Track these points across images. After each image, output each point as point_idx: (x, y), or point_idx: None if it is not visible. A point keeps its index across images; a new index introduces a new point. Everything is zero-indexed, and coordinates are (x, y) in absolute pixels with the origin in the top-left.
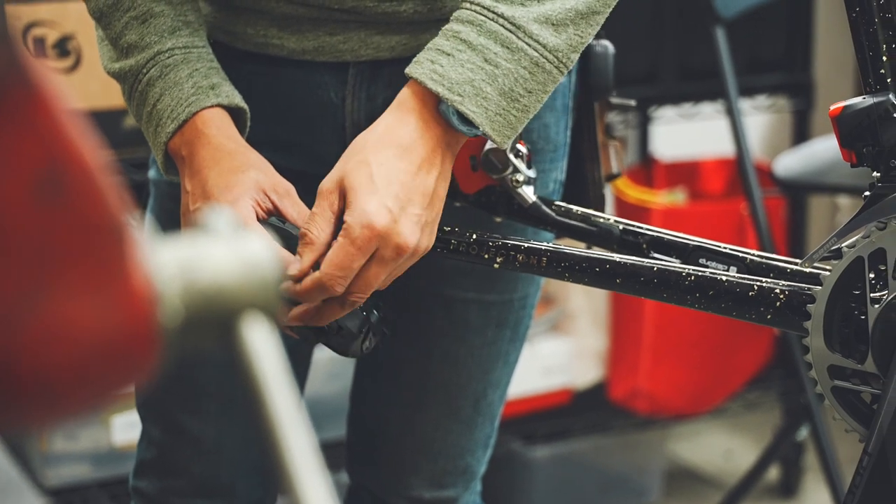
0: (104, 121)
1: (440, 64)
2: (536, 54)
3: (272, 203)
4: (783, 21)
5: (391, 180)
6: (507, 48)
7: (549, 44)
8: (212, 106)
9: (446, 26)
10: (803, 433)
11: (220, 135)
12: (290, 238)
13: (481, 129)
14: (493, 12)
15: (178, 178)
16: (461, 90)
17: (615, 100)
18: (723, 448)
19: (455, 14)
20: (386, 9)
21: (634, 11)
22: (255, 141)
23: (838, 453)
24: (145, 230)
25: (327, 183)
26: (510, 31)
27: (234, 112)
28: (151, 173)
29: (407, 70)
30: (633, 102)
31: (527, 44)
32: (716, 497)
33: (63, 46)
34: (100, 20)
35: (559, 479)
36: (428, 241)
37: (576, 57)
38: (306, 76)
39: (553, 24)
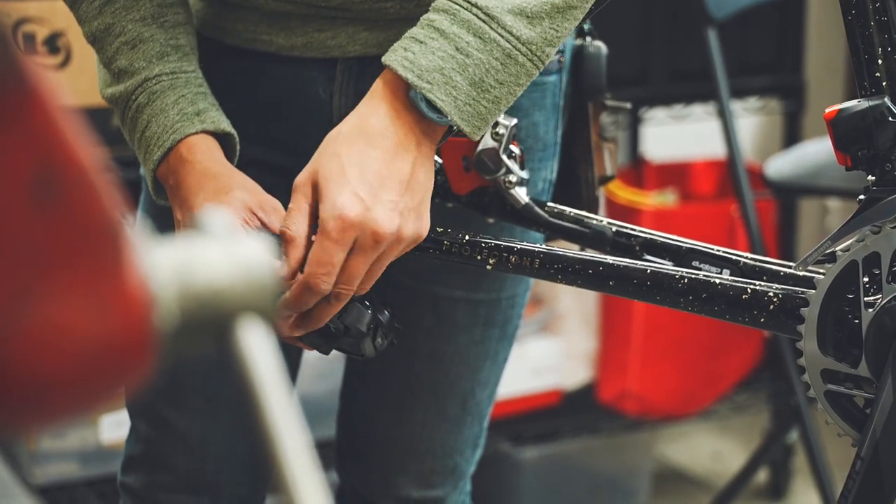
0: (95, 118)
1: (412, 51)
2: (509, 46)
3: (260, 221)
4: (774, 23)
5: (363, 169)
6: (480, 38)
7: (522, 36)
8: (197, 132)
9: (424, 15)
10: (793, 436)
11: (205, 160)
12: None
13: (449, 117)
14: (468, 2)
15: (168, 202)
16: (430, 78)
17: (610, 102)
18: (711, 450)
19: (434, 3)
20: (372, 5)
21: (625, 12)
22: (243, 137)
23: (827, 456)
24: (138, 228)
25: (301, 177)
26: (483, 21)
27: (222, 137)
28: (143, 171)
29: (383, 58)
30: (627, 105)
31: (500, 34)
32: (704, 499)
33: (53, 43)
34: (93, 44)
35: (548, 480)
36: (415, 227)
37: (551, 51)
38: (295, 72)
39: (527, 17)
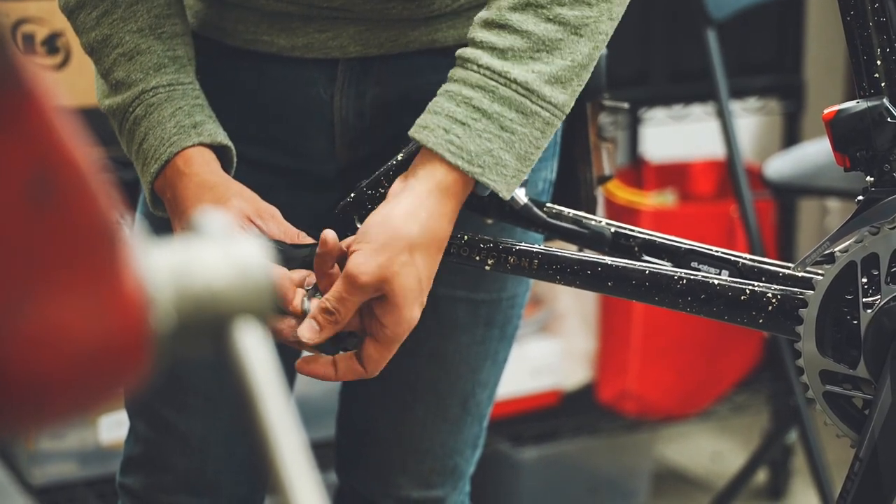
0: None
1: (455, 134)
2: (549, 114)
3: (258, 228)
4: (774, 23)
5: (431, 278)
6: (522, 113)
7: (559, 102)
8: (194, 145)
9: (453, 88)
10: (792, 436)
11: (202, 172)
12: (285, 252)
13: (499, 193)
14: (506, 77)
15: (167, 214)
16: (481, 162)
17: (608, 102)
18: (711, 450)
19: (461, 75)
20: (374, 6)
21: (625, 13)
22: (244, 137)
23: (826, 456)
24: (135, 230)
25: (368, 277)
26: (524, 97)
27: (218, 149)
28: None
29: (419, 137)
30: (626, 105)
31: (540, 107)
32: (704, 499)
33: (52, 44)
34: (91, 55)
35: (547, 480)
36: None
37: (573, 102)
38: (296, 73)
39: (562, 83)
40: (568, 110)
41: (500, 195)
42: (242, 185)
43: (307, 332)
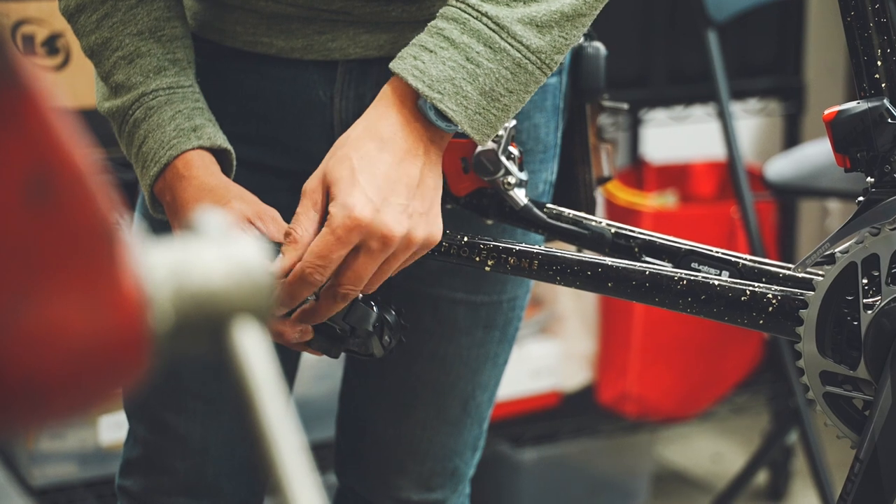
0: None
1: (422, 60)
2: (519, 55)
3: (258, 230)
4: (774, 25)
5: (373, 172)
6: (490, 48)
7: (532, 45)
8: (193, 149)
9: (431, 23)
10: (792, 437)
11: (201, 175)
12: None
13: (460, 126)
14: (478, 11)
15: (166, 217)
16: (441, 88)
17: (607, 102)
18: (711, 452)
19: (441, 10)
20: (374, 8)
21: (625, 14)
22: (244, 139)
23: (827, 457)
24: (134, 231)
25: (311, 182)
26: (493, 31)
27: (218, 153)
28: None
29: (390, 64)
30: (625, 105)
31: (510, 44)
32: (704, 501)
33: (52, 44)
34: (91, 58)
35: (547, 481)
36: (425, 230)
37: (560, 58)
38: (295, 75)
39: (537, 26)
40: (548, 60)
41: (462, 129)
42: (242, 187)
43: (276, 265)
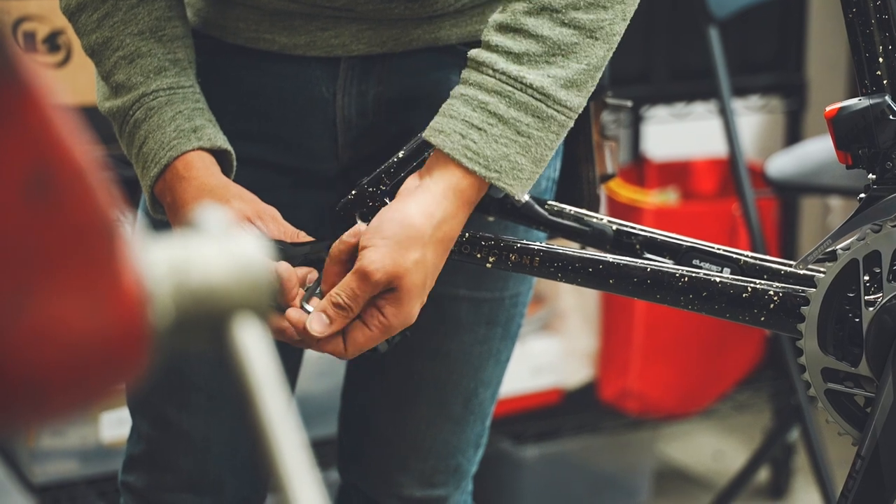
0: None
1: (472, 140)
2: (564, 118)
3: (258, 229)
4: (776, 21)
5: (435, 276)
6: (538, 118)
7: (574, 105)
8: (193, 150)
9: (468, 92)
10: (794, 434)
11: (201, 176)
12: (285, 250)
13: (515, 196)
14: (522, 83)
15: (166, 217)
16: (497, 167)
17: (611, 100)
18: (713, 449)
19: (476, 79)
20: (377, 5)
21: None
22: (246, 136)
23: (828, 454)
24: (136, 228)
25: (380, 274)
26: (540, 101)
27: (218, 153)
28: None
29: (435, 141)
30: (629, 103)
31: (556, 111)
32: (705, 498)
33: (53, 41)
34: (92, 57)
35: (548, 479)
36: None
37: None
38: (297, 71)
39: (576, 86)
40: (580, 108)
41: (516, 198)
42: (242, 187)
43: (317, 324)
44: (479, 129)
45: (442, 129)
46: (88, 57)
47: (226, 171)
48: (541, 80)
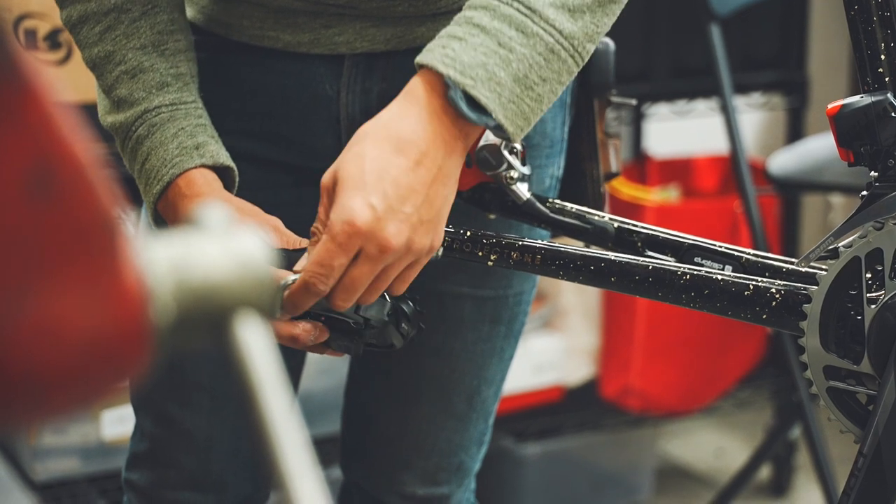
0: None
1: (452, 48)
2: (552, 40)
3: None
4: (777, 18)
5: (382, 175)
6: (522, 32)
7: (565, 29)
8: (196, 167)
9: (459, 14)
10: (796, 432)
11: (203, 193)
12: (288, 257)
13: (494, 115)
14: None
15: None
16: (473, 73)
17: (615, 98)
18: (714, 446)
19: (469, 1)
20: (381, 3)
21: (628, 8)
22: (249, 134)
23: (830, 452)
24: (138, 226)
25: (326, 177)
26: (525, 16)
27: (221, 170)
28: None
29: (417, 59)
30: (633, 101)
31: (542, 28)
32: (707, 495)
33: (54, 38)
34: (93, 70)
35: (550, 476)
36: (427, 240)
37: (591, 47)
38: (301, 69)
39: (569, 10)
40: (580, 48)
41: (496, 118)
42: (244, 201)
43: (299, 264)
44: (460, 39)
45: (428, 48)
46: (89, 70)
47: (228, 186)
48: None
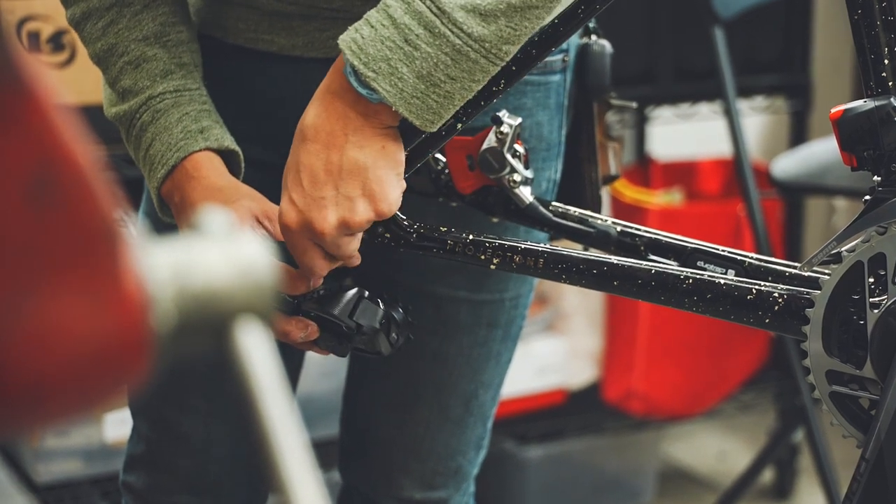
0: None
1: (361, 34)
2: (459, 42)
3: (266, 229)
4: (781, 22)
5: (299, 169)
6: (430, 31)
7: (474, 33)
8: (201, 150)
9: None
10: (798, 435)
11: (210, 175)
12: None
13: (394, 107)
14: None
15: (173, 219)
16: (376, 67)
17: (615, 101)
18: (717, 450)
19: None
20: (373, 7)
21: (632, 11)
22: (244, 137)
23: (833, 455)
24: (138, 230)
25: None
26: (435, 15)
27: (226, 154)
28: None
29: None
30: (634, 104)
31: (449, 30)
32: (710, 499)
33: (58, 41)
34: (98, 64)
35: (552, 479)
36: (364, 209)
37: (511, 49)
38: (296, 72)
39: (481, 14)
40: (494, 50)
41: (397, 110)
42: (251, 188)
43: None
44: (372, 26)
45: (349, 28)
46: (95, 65)
47: (234, 171)
48: None
